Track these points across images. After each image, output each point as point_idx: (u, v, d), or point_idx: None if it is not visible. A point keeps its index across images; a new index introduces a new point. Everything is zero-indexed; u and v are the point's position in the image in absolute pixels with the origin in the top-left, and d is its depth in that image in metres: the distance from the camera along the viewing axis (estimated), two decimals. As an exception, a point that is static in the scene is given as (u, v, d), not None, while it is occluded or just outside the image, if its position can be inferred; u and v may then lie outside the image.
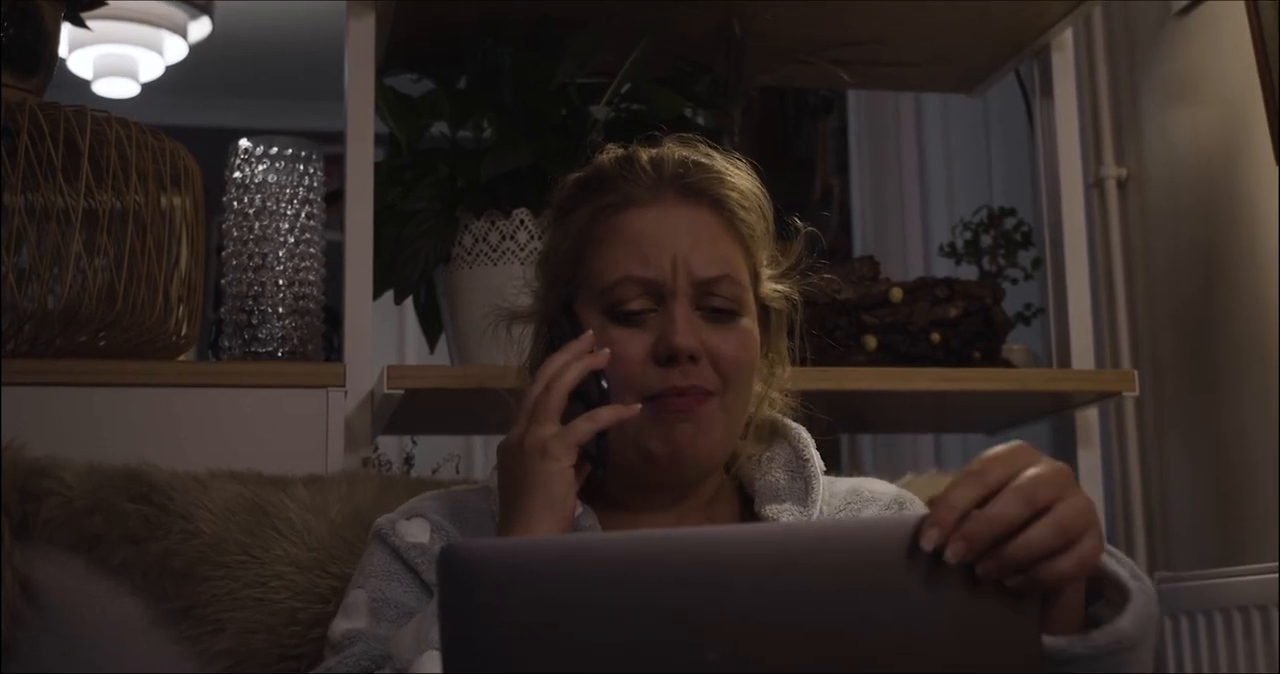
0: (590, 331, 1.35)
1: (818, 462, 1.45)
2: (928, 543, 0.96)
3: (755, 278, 1.43)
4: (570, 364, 1.32)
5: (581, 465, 1.31)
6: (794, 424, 1.49)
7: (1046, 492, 1.01)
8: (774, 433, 1.49)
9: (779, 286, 1.46)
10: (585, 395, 1.32)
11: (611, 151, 1.45)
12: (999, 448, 1.04)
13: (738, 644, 0.90)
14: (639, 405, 1.32)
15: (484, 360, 1.94)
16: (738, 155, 1.46)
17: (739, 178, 1.43)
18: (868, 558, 0.95)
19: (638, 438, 1.35)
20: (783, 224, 1.50)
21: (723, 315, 1.37)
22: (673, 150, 1.42)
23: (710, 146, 1.45)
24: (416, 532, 1.38)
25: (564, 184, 1.46)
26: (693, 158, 1.41)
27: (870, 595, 0.94)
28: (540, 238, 1.96)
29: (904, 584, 0.95)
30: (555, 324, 1.40)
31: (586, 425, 1.30)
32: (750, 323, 1.40)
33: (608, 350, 1.33)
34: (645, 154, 1.42)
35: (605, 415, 1.31)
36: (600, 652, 0.88)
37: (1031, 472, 1.01)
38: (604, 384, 1.33)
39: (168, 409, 1.92)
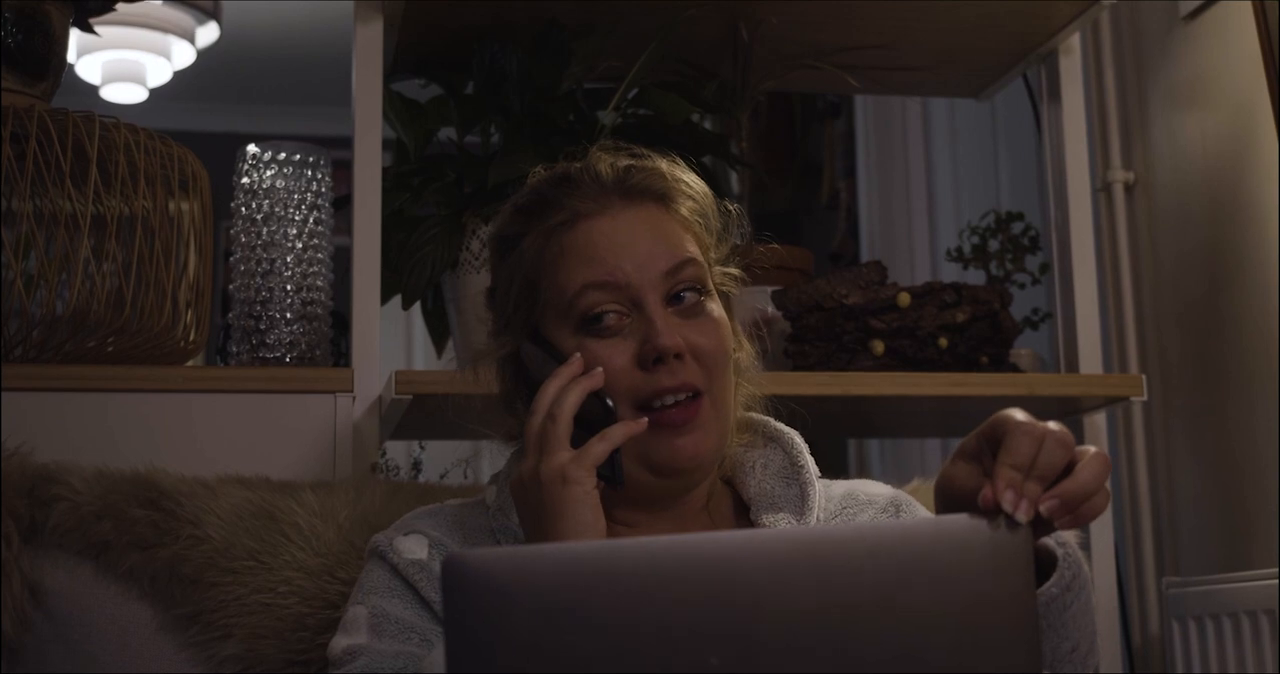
0: (578, 354, 1.34)
1: (812, 467, 1.45)
2: (1009, 507, 1.03)
3: (708, 264, 1.43)
4: (568, 389, 1.32)
5: (597, 486, 1.31)
6: (786, 428, 1.49)
7: (1072, 441, 1.11)
8: (765, 436, 1.49)
9: (727, 270, 1.47)
10: (584, 417, 1.32)
11: (540, 174, 1.45)
12: (1010, 412, 1.13)
13: (741, 650, 0.90)
14: (645, 419, 1.33)
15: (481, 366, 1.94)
16: (673, 153, 1.47)
17: (679, 170, 1.45)
18: (868, 563, 0.95)
19: (640, 452, 1.35)
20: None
21: (692, 307, 1.38)
22: (606, 158, 1.43)
23: (641, 147, 1.46)
24: (414, 548, 1.38)
25: (502, 215, 1.46)
26: (629, 162, 1.42)
27: (871, 600, 0.94)
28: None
29: (905, 589, 0.95)
30: (529, 355, 1.39)
31: (601, 446, 1.30)
32: (717, 309, 1.40)
33: (601, 369, 1.33)
34: (579, 167, 1.42)
35: (618, 433, 1.31)
36: (604, 658, 0.88)
37: (1053, 424, 1.11)
38: (609, 402, 1.33)
39: (176, 414, 1.92)
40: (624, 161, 1.42)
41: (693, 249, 1.40)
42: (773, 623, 0.91)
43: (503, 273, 1.44)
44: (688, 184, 1.44)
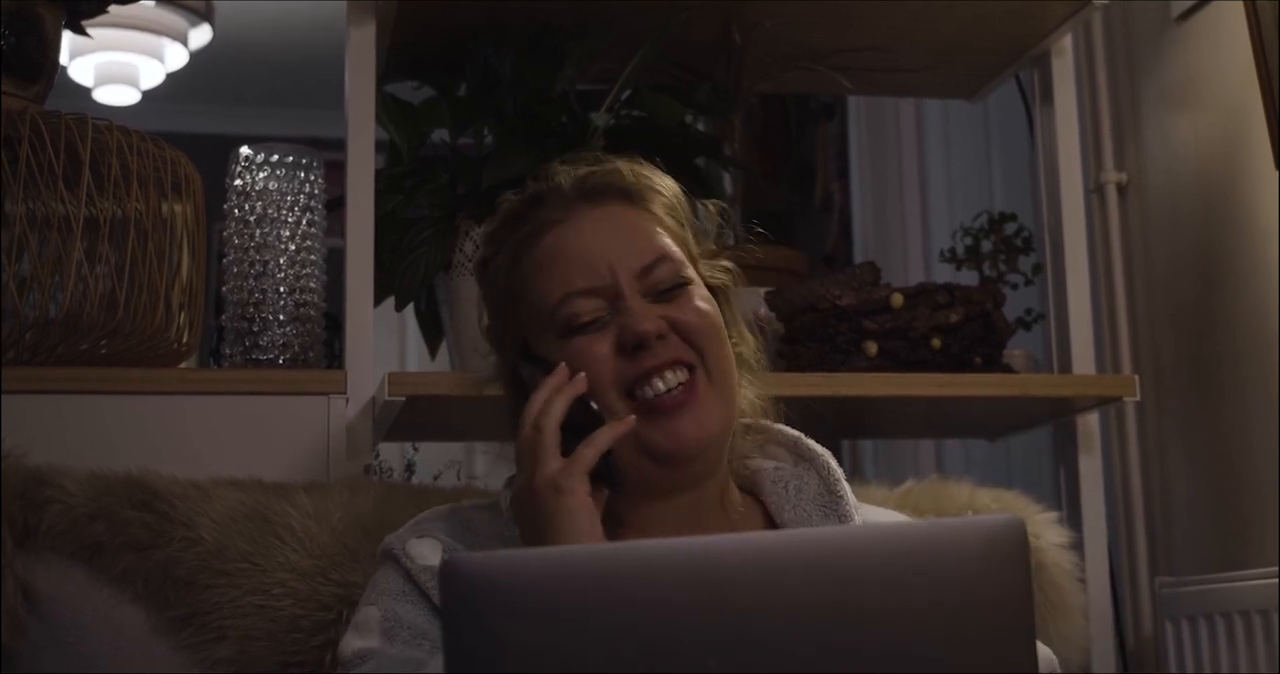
0: (563, 364, 1.34)
1: (851, 498, 1.44)
2: None
3: (691, 258, 1.43)
4: (552, 399, 1.32)
5: (596, 491, 1.30)
6: (820, 449, 1.47)
7: None
8: (797, 455, 1.48)
9: (716, 263, 1.47)
10: (575, 425, 1.32)
11: (509, 198, 1.46)
12: None
13: (739, 651, 0.90)
14: (633, 417, 1.32)
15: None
16: (637, 155, 1.47)
17: (641, 168, 1.45)
18: (864, 563, 0.96)
19: (640, 442, 1.34)
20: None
21: (671, 292, 1.37)
22: (565, 170, 1.43)
23: (602, 154, 1.46)
24: (428, 553, 1.36)
25: (481, 242, 1.47)
26: (587, 168, 1.43)
27: (868, 600, 0.94)
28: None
29: (902, 589, 0.95)
30: (524, 372, 1.39)
31: (589, 452, 1.29)
32: (700, 290, 1.40)
33: (583, 375, 1.33)
34: (542, 185, 1.43)
35: (604, 437, 1.30)
36: (602, 661, 0.88)
37: None
38: (593, 406, 1.33)
39: (169, 417, 1.92)
40: (582, 169, 1.43)
41: (665, 243, 1.40)
42: (770, 624, 0.91)
43: (488, 298, 1.46)
44: (650, 179, 1.44)
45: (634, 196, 1.42)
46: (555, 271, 1.37)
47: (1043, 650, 1.31)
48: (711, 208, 1.49)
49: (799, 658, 0.91)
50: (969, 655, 0.96)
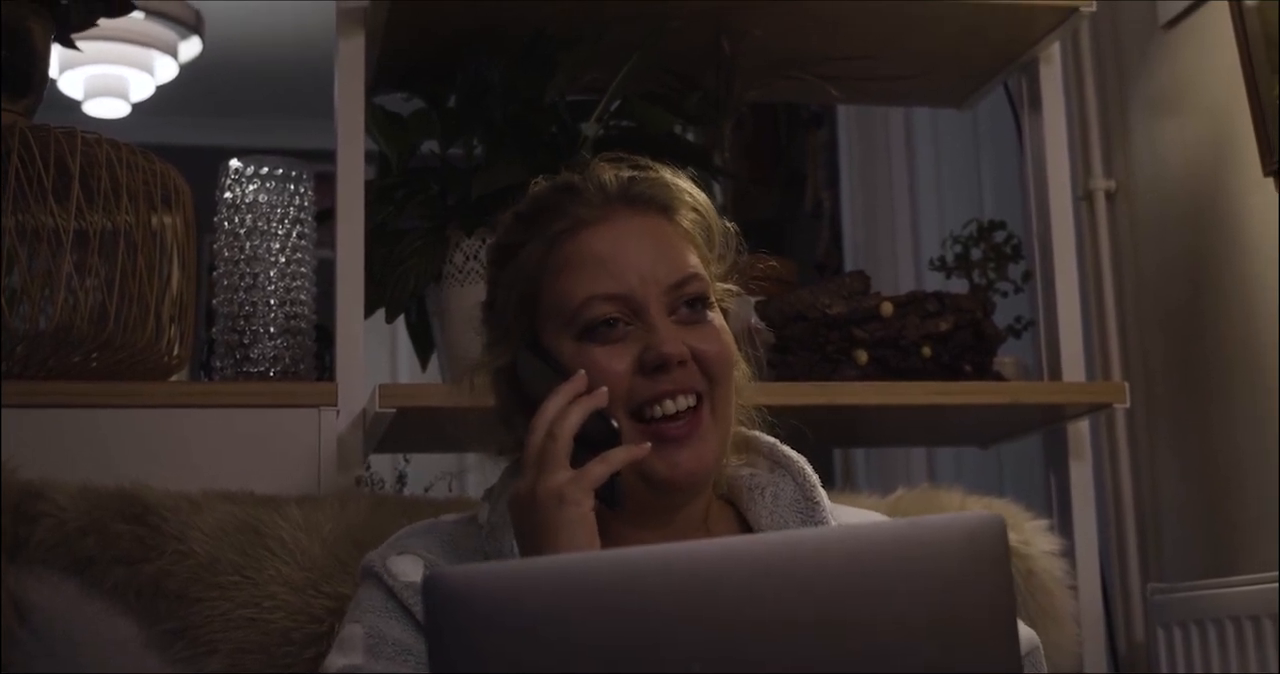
0: (583, 371, 1.33)
1: (827, 504, 1.44)
2: None
3: (710, 279, 1.43)
4: (570, 408, 1.30)
5: (595, 508, 1.29)
6: (795, 455, 1.47)
7: None
8: (772, 461, 1.48)
9: (726, 286, 1.47)
10: (585, 435, 1.30)
11: (542, 184, 1.44)
12: None
13: (722, 655, 0.90)
14: (648, 445, 1.31)
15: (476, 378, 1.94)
16: (675, 164, 1.47)
17: (682, 181, 1.44)
18: (845, 565, 0.96)
19: (639, 467, 1.33)
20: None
21: (695, 314, 1.37)
22: (609, 168, 1.42)
23: (645, 158, 1.45)
24: (409, 570, 1.36)
25: (502, 224, 1.45)
26: (632, 172, 1.42)
27: (850, 601, 0.94)
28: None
29: (883, 589, 0.95)
30: (527, 365, 1.38)
31: (601, 468, 1.28)
32: (719, 317, 1.40)
33: (605, 389, 1.32)
34: (581, 177, 1.42)
35: (619, 457, 1.29)
36: (588, 670, 0.88)
37: None
38: (613, 423, 1.32)
39: (160, 430, 1.92)
40: (627, 172, 1.42)
41: (695, 262, 1.39)
42: (753, 628, 0.92)
43: (502, 282, 1.43)
44: (690, 195, 1.44)
45: (671, 210, 1.41)
46: (585, 273, 1.36)
47: (1024, 630, 1.32)
48: (731, 228, 1.49)
49: (783, 659, 0.91)
50: (952, 652, 0.96)
